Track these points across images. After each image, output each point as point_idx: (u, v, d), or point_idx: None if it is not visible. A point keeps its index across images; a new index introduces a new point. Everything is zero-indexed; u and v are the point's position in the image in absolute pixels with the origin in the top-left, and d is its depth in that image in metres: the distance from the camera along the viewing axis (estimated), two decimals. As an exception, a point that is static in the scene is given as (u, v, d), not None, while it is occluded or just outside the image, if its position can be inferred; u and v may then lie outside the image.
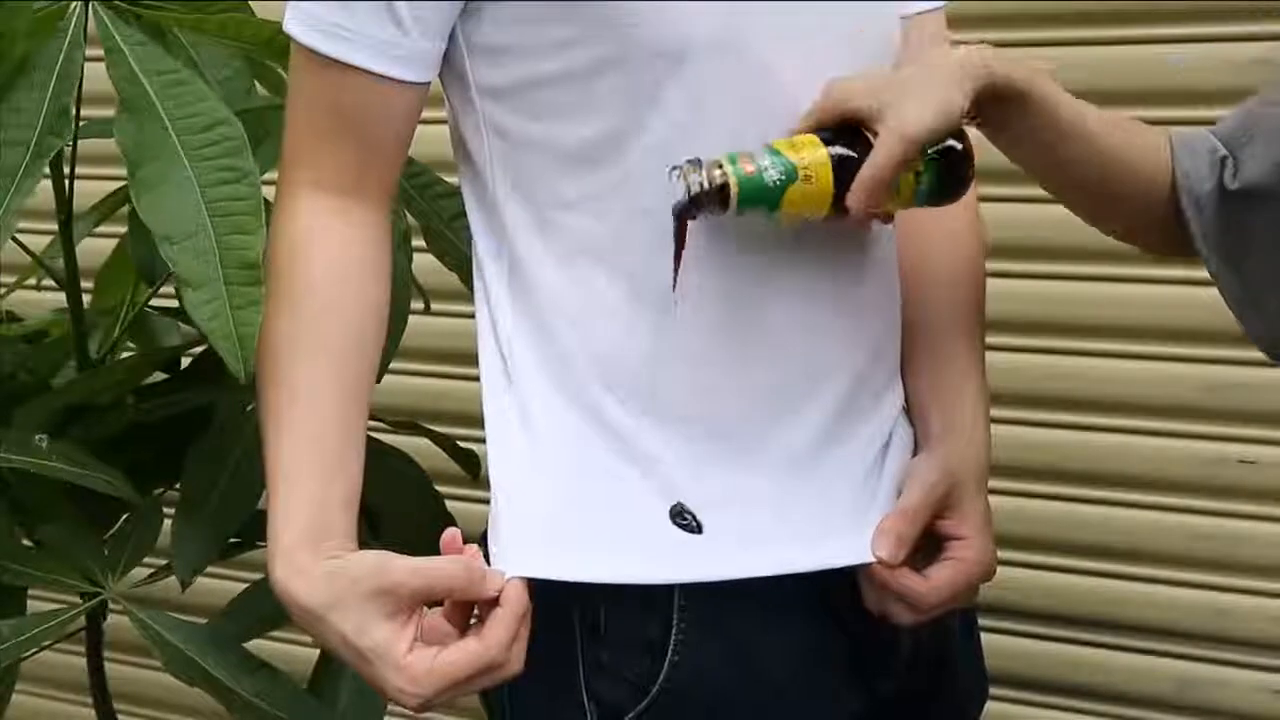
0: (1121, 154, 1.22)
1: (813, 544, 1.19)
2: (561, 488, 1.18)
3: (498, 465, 1.20)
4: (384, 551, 1.15)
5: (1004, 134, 1.19)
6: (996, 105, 1.15)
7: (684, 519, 1.17)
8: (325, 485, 1.16)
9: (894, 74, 1.18)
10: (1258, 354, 1.83)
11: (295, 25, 1.18)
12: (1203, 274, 1.87)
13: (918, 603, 1.21)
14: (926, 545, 1.23)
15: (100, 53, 1.40)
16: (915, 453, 1.27)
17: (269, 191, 1.33)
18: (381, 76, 1.16)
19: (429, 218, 1.57)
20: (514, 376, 1.20)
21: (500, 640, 1.11)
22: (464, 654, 1.11)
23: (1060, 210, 1.97)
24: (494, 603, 1.12)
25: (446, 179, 1.56)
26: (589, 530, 1.17)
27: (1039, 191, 1.89)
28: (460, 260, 1.55)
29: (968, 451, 1.26)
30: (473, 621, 1.14)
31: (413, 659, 1.10)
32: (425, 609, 1.13)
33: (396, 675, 1.10)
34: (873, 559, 1.20)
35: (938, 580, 1.22)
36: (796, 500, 1.20)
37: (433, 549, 1.68)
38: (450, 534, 1.14)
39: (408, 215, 1.57)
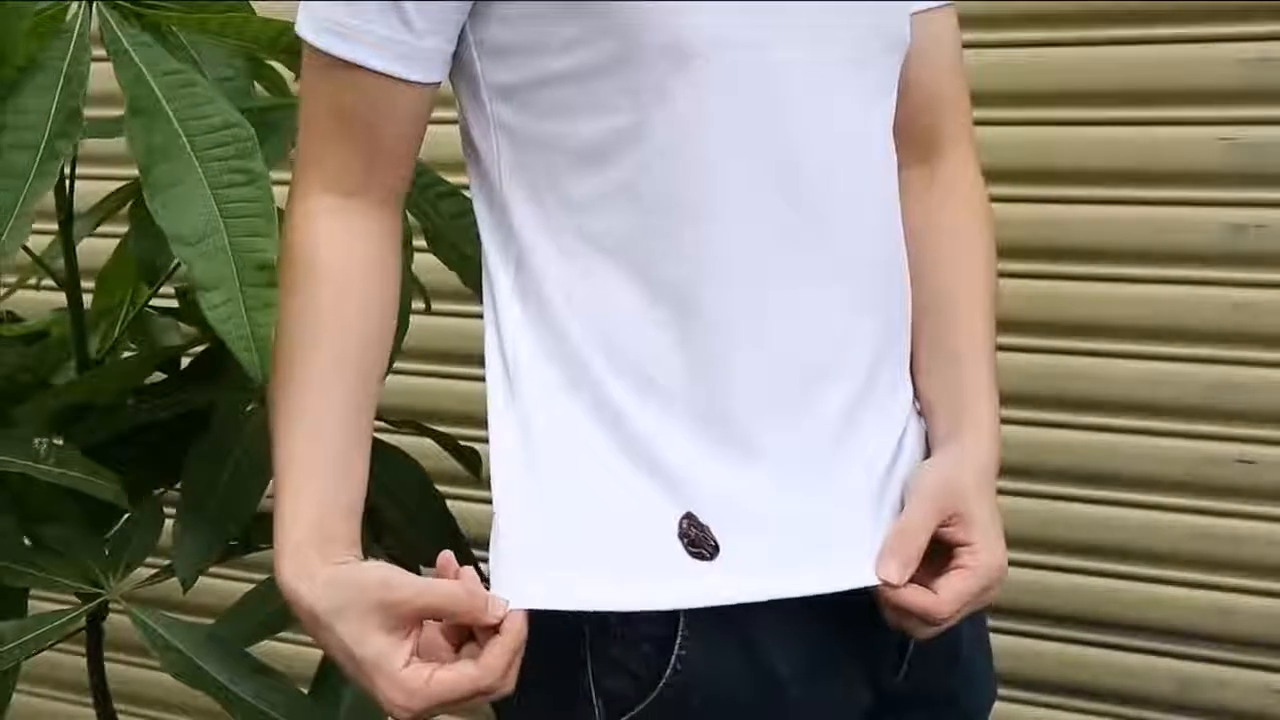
0: None
1: (823, 564, 1.18)
2: (565, 505, 1.17)
3: (500, 479, 1.20)
4: (391, 565, 1.16)
5: None
6: None
7: (694, 536, 1.16)
8: (331, 487, 1.17)
9: None
10: (1258, 354, 1.84)
11: (305, 26, 1.18)
12: (1202, 274, 1.88)
13: (931, 618, 1.20)
14: (937, 551, 1.23)
15: (100, 52, 1.40)
16: (927, 448, 1.27)
17: (275, 190, 1.33)
18: (390, 77, 1.17)
19: (430, 218, 1.57)
20: (518, 380, 1.19)
21: (496, 668, 1.12)
22: (459, 676, 1.12)
23: (1060, 210, 1.97)
24: (494, 628, 1.13)
25: (447, 179, 1.56)
26: (593, 553, 1.17)
27: (1039, 191, 1.91)
28: (461, 260, 1.55)
29: (972, 452, 1.25)
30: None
31: (408, 674, 1.11)
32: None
33: (391, 688, 1.12)
34: (877, 582, 1.19)
35: (948, 592, 1.20)
36: (811, 509, 1.19)
37: (434, 548, 1.68)
38: (444, 557, 1.15)
39: (408, 215, 1.57)
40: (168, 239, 1.29)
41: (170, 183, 1.31)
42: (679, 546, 1.16)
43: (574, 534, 1.17)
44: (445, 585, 1.13)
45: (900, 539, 1.20)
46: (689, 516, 1.16)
